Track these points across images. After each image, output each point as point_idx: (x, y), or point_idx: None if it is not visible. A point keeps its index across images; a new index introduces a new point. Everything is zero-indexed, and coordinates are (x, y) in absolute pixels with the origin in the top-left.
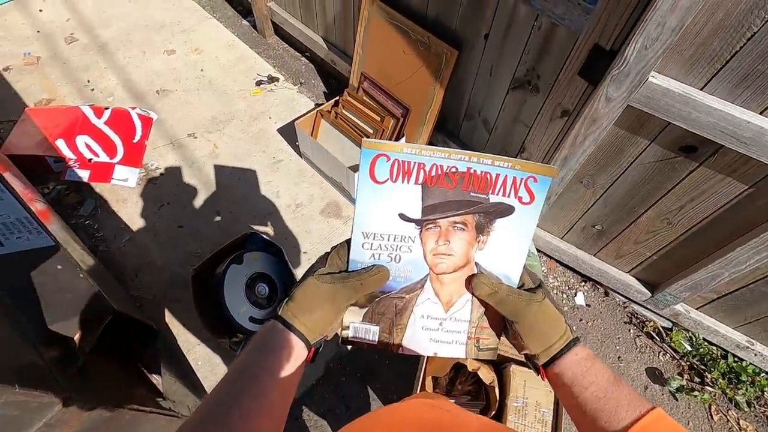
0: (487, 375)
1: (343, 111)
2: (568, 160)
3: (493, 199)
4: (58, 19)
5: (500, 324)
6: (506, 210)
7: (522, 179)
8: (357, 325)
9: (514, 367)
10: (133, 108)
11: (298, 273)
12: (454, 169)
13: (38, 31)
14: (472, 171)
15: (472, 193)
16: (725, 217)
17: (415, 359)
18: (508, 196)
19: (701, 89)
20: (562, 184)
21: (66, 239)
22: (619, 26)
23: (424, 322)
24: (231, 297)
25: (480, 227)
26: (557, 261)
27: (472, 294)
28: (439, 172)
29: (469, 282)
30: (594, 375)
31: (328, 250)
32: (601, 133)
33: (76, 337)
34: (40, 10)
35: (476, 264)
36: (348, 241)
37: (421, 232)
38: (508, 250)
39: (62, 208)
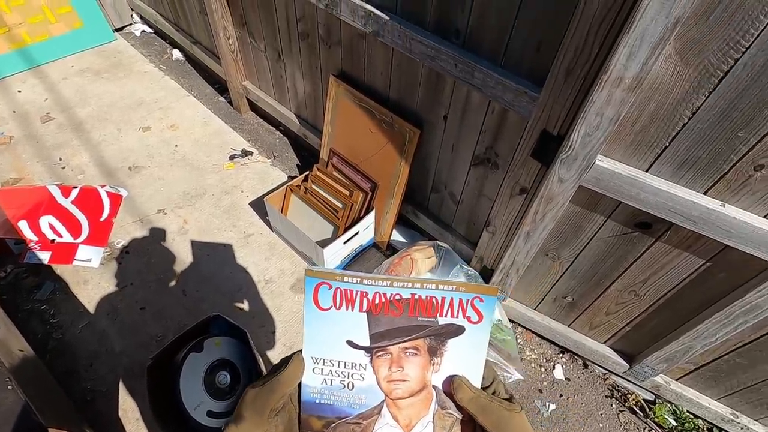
0: None
1: (313, 186)
2: (531, 235)
3: (442, 321)
4: (36, 99)
5: None
6: (457, 330)
7: (468, 300)
8: None
9: None
10: (103, 186)
11: (271, 356)
12: (398, 296)
13: (14, 111)
14: (416, 297)
15: (420, 318)
16: (690, 290)
17: None
18: (457, 317)
19: (646, 171)
20: (528, 257)
21: (5, 337)
22: (562, 114)
23: None
24: (188, 389)
25: (433, 350)
26: (533, 332)
27: (452, 398)
28: (383, 300)
29: (449, 385)
30: None
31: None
32: (558, 211)
33: None
34: (19, 91)
35: (434, 387)
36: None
37: (372, 359)
38: (464, 369)
39: (18, 293)
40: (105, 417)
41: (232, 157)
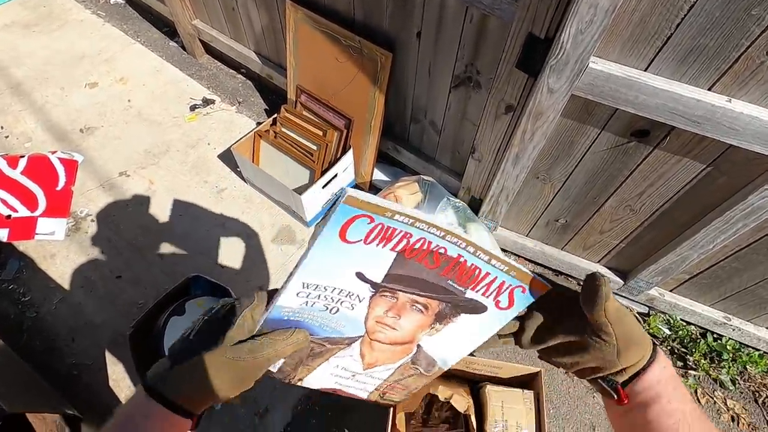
0: (461, 403)
1: (283, 129)
2: (520, 158)
3: (470, 294)
4: None
5: (420, 389)
6: (478, 309)
7: (510, 286)
8: None
9: (489, 389)
10: (54, 152)
11: None
12: (442, 250)
13: None
14: (461, 260)
15: (449, 281)
16: (687, 199)
17: None
18: (488, 296)
19: (645, 70)
20: (518, 182)
21: None
22: (550, 11)
23: (337, 371)
24: None
25: (441, 316)
26: (526, 259)
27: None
28: (425, 248)
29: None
30: (679, 399)
31: (223, 306)
32: (549, 127)
33: None
34: None
35: (418, 345)
36: (265, 295)
37: (374, 295)
38: (459, 341)
39: None
40: (95, 389)
41: (192, 108)
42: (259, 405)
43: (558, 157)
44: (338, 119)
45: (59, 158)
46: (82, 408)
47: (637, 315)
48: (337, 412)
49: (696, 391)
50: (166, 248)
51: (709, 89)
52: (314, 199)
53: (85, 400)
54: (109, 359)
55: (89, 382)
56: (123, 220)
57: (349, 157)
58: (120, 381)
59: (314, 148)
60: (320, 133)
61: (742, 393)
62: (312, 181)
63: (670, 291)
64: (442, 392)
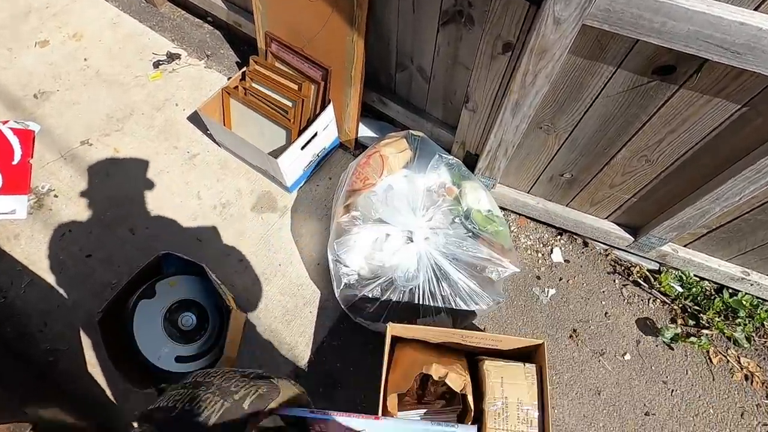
0: (457, 381)
1: (253, 84)
2: (520, 105)
3: None
4: None
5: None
6: None
7: None
8: None
9: (488, 364)
10: (5, 122)
11: (242, 284)
12: None
13: None
14: None
15: None
16: (713, 146)
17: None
18: None
19: None
20: (518, 134)
21: None
22: None
23: None
24: (146, 338)
25: None
26: (527, 217)
27: None
28: None
29: None
30: None
31: None
32: (554, 67)
33: None
34: None
35: None
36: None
37: None
38: None
39: None
40: (74, 375)
41: (156, 65)
42: None
43: (564, 103)
44: (314, 70)
45: (12, 129)
46: (61, 397)
47: (648, 272)
48: (327, 388)
49: (708, 351)
50: (138, 223)
51: (756, 9)
52: (293, 163)
53: (64, 387)
54: (85, 343)
55: (66, 368)
56: (89, 193)
57: (329, 112)
58: (98, 365)
59: (289, 104)
60: (295, 87)
61: (757, 350)
62: (290, 142)
63: (684, 246)
64: (436, 371)
